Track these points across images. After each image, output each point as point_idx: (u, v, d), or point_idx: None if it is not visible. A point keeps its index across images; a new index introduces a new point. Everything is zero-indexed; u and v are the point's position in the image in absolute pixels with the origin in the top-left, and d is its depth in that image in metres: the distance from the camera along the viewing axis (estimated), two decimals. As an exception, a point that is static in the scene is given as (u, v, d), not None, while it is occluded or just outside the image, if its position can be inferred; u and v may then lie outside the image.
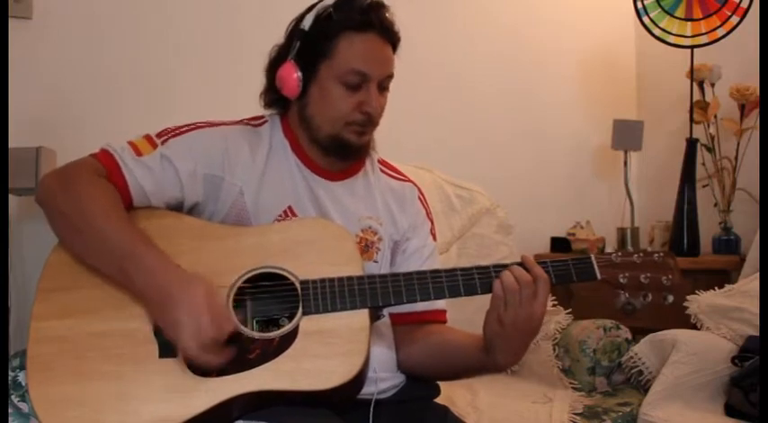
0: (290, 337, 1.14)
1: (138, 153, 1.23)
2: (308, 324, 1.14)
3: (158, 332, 1.12)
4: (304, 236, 1.21)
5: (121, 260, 1.11)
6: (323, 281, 1.17)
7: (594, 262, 1.19)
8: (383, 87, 1.31)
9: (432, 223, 1.46)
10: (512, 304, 1.15)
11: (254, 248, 1.19)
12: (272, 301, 1.17)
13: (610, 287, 1.18)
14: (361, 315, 1.16)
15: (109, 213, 1.15)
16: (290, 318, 1.15)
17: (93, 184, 1.18)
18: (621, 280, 1.18)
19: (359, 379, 1.14)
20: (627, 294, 1.18)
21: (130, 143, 1.25)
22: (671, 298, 1.17)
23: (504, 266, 1.19)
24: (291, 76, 1.27)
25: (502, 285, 1.16)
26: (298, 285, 1.17)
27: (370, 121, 1.30)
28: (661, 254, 1.20)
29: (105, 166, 1.21)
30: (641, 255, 1.20)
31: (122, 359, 1.10)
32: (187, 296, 1.08)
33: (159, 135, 1.27)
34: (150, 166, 1.22)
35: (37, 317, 1.13)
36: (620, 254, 1.21)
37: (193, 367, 1.11)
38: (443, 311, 1.40)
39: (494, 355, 1.21)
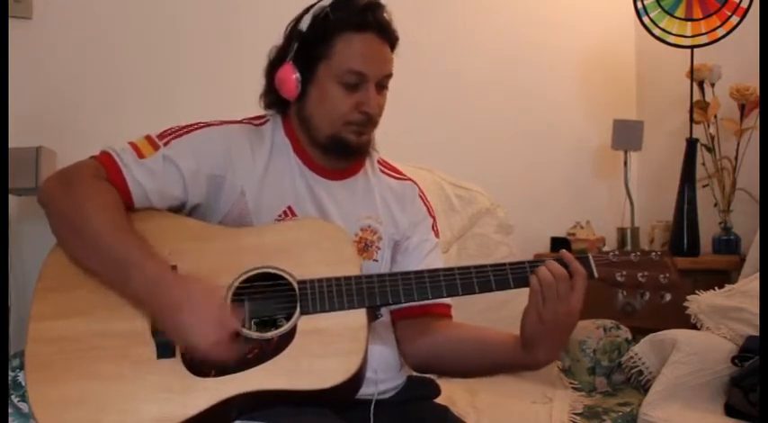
0: (288, 336, 1.14)
1: (141, 155, 1.23)
2: (306, 324, 1.15)
3: (156, 333, 1.12)
4: (302, 236, 1.21)
5: (118, 265, 1.11)
6: (320, 281, 1.17)
7: (592, 260, 1.19)
8: (382, 86, 1.30)
9: (434, 220, 1.46)
10: (550, 299, 1.16)
11: (252, 249, 1.20)
12: (270, 301, 1.17)
13: (607, 286, 1.18)
14: (359, 314, 1.16)
15: (108, 217, 1.15)
16: (288, 318, 1.15)
17: (94, 187, 1.17)
18: (619, 278, 1.18)
19: (357, 378, 1.14)
20: (624, 293, 1.18)
21: (131, 144, 1.25)
22: (668, 296, 1.17)
23: (502, 265, 1.19)
24: (290, 77, 1.28)
25: (538, 279, 1.16)
26: (295, 285, 1.17)
27: (369, 121, 1.30)
28: (658, 252, 1.21)
29: (105, 167, 1.21)
30: (638, 253, 1.21)
31: (120, 359, 1.10)
32: (188, 302, 1.08)
33: (161, 136, 1.27)
34: (152, 169, 1.22)
35: (35, 317, 1.13)
36: (617, 253, 1.21)
37: (192, 367, 1.11)
38: (449, 306, 1.40)
39: (533, 352, 1.21)
